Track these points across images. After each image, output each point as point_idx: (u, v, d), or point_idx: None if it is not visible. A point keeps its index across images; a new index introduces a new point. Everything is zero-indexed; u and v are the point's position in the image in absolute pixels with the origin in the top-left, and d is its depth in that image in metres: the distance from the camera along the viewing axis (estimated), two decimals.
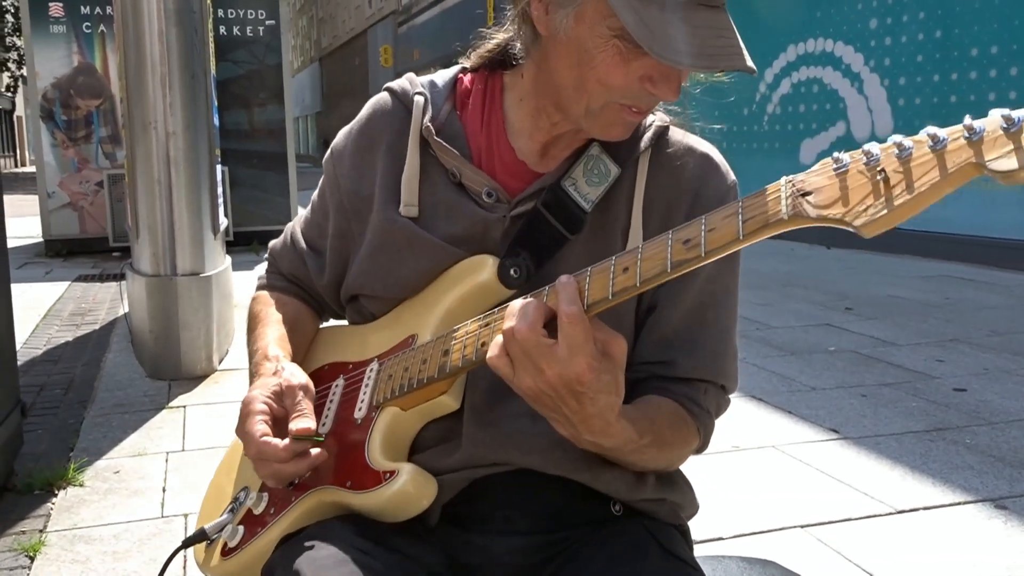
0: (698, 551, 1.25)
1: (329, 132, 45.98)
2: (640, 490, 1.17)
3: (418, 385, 1.09)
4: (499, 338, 0.96)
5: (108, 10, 8.96)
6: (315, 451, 1.11)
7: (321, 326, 1.40)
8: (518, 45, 1.19)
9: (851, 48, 9.74)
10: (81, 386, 4.61)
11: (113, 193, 9.10)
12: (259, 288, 1.42)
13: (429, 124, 1.20)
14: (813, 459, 3.48)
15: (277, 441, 1.09)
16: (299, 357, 1.31)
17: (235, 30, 9.89)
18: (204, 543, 1.26)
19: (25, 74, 9.46)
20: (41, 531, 2.88)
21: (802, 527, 2.89)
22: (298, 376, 1.17)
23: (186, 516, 2.99)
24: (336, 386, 1.24)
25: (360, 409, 1.16)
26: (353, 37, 39.09)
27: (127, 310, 5.81)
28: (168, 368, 4.67)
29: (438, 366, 1.07)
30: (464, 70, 1.28)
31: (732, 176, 1.23)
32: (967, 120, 0.72)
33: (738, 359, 1.23)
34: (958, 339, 5.46)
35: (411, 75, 1.29)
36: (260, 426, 1.10)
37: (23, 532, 2.87)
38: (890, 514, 2.99)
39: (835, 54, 9.97)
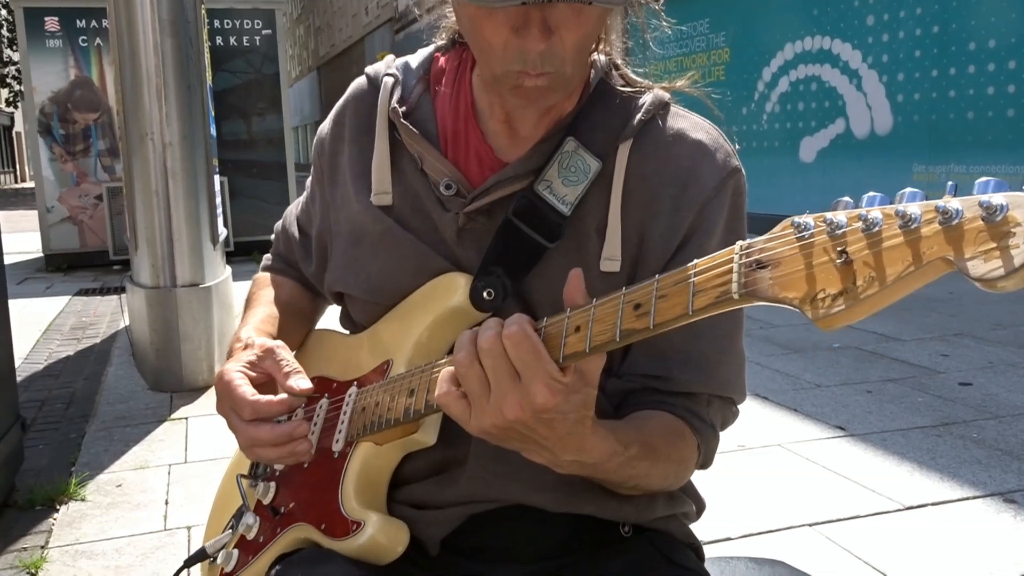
0: (706, 552, 1.22)
1: None
2: (651, 510, 1.11)
3: (386, 425, 1.04)
4: (446, 371, 0.87)
5: (104, 23, 8.96)
6: (302, 445, 1.06)
7: (316, 328, 1.35)
8: None
9: (849, 45, 9.72)
10: (82, 400, 4.59)
11: (113, 206, 9.10)
12: (261, 269, 1.39)
13: (396, 106, 1.11)
14: (820, 457, 3.45)
15: (270, 397, 1.06)
16: (296, 339, 1.29)
17: (232, 40, 9.89)
18: (208, 561, 1.24)
19: (23, 89, 9.44)
20: (43, 547, 2.86)
21: (810, 525, 2.86)
22: (268, 341, 1.13)
23: (189, 529, 2.96)
24: (320, 407, 1.20)
25: (338, 441, 1.11)
26: (350, 45, 39.14)
27: (128, 323, 5.79)
28: (170, 380, 4.65)
29: (403, 408, 1.02)
30: (439, 48, 1.18)
31: (733, 162, 1.09)
32: (945, 198, 0.60)
33: (745, 366, 1.13)
34: (962, 333, 5.43)
35: (390, 56, 1.21)
36: (246, 388, 1.06)
37: (24, 549, 2.85)
38: (898, 511, 2.96)
39: (833, 51, 9.94)
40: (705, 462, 1.11)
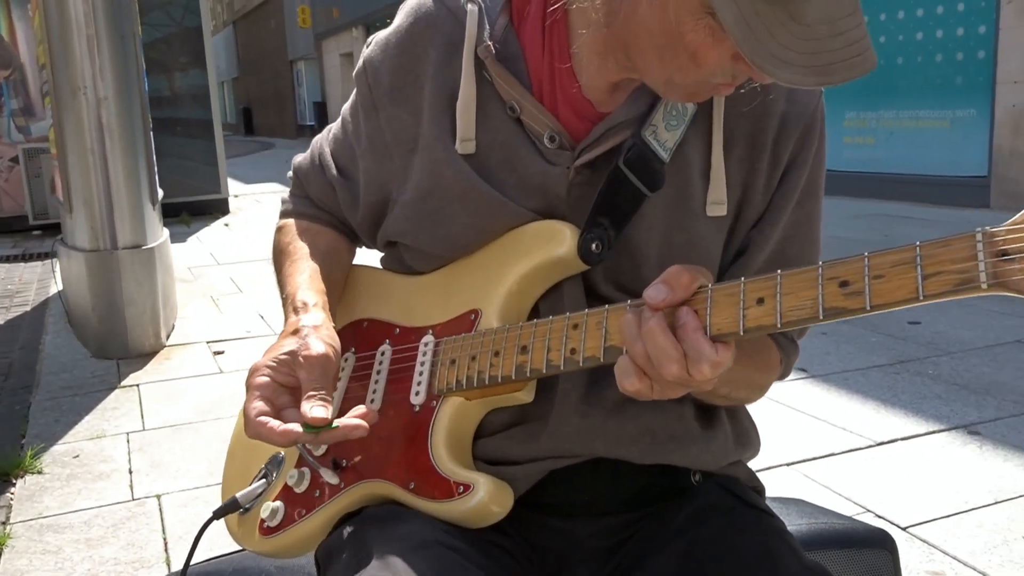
0: None
1: (249, 99, 44.42)
2: (724, 456, 1.10)
3: (490, 382, 0.97)
4: (626, 363, 0.83)
5: None
6: (335, 426, 0.94)
7: (355, 263, 1.24)
8: None
9: None
10: (21, 371, 4.39)
11: (30, 169, 8.66)
12: (284, 215, 1.25)
13: (489, 43, 1.01)
14: (786, 398, 3.50)
15: (275, 424, 0.93)
16: (336, 295, 1.17)
17: None
18: (237, 512, 1.15)
19: None
20: (3, 523, 2.73)
21: (788, 465, 2.91)
22: (317, 345, 0.98)
23: (159, 497, 2.86)
24: (382, 355, 1.11)
25: (417, 394, 1.03)
26: None
27: (61, 288, 5.55)
28: (115, 347, 4.47)
29: (515, 366, 0.94)
30: None
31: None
32: None
33: None
34: None
35: None
36: (257, 403, 0.95)
37: None
38: (870, 446, 3.03)
39: None
40: (784, 374, 1.12)
